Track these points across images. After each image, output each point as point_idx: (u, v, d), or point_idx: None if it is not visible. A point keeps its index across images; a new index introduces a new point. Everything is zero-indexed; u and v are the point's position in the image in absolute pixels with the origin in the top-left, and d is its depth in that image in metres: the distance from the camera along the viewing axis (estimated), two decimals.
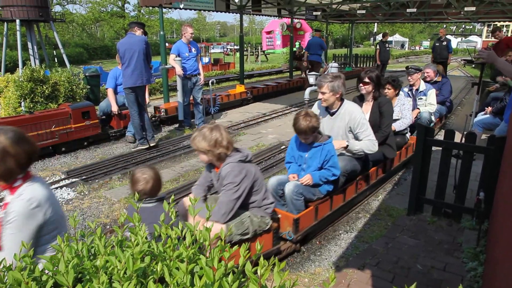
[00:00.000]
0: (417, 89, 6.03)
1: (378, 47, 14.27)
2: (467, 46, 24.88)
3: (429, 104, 5.94)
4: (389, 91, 4.87)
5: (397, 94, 4.98)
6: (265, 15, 14.68)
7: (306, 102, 5.34)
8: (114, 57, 7.20)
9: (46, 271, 1.13)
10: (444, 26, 20.39)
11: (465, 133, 3.75)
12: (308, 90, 5.30)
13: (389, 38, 13.94)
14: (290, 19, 15.96)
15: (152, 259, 1.15)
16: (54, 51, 10.04)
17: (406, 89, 5.99)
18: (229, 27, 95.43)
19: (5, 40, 8.59)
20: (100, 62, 26.12)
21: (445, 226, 3.60)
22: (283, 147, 6.28)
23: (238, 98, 9.71)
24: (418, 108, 5.87)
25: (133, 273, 0.99)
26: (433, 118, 6.07)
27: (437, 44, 12.18)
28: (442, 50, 11.97)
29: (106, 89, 6.99)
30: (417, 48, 48.24)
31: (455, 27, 49.91)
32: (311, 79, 5.54)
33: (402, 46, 49.22)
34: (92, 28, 47.30)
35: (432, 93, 5.96)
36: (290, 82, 12.51)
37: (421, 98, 5.95)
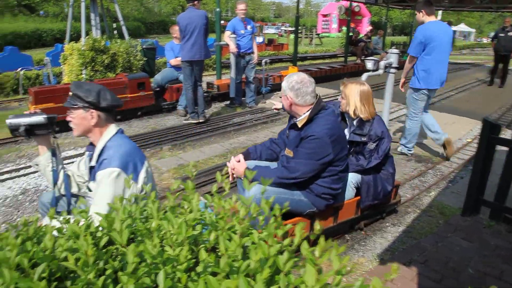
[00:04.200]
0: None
1: None
2: None
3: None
4: None
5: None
6: None
7: None
8: (170, 32, 7.36)
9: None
10: None
11: None
12: (365, 75, 5.08)
13: (453, 28, 12.92)
14: (349, 2, 15.40)
15: (203, 228, 1.14)
16: (114, 24, 10.38)
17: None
18: (284, 8, 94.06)
19: (70, 11, 8.98)
20: (156, 36, 26.79)
21: (504, 231, 3.35)
22: None
23: None
24: None
25: (186, 240, 0.98)
26: None
27: (501, 34, 10.77)
28: (507, 42, 10.65)
29: (169, 61, 7.16)
30: (484, 40, 44.95)
31: None
32: (369, 64, 5.29)
33: (465, 36, 46.05)
34: (150, 3, 48.44)
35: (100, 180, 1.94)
36: (345, 67, 12.14)
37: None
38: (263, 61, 8.36)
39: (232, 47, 6.94)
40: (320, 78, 10.77)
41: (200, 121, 6.34)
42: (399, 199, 3.75)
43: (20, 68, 9.82)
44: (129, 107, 6.50)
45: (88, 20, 8.99)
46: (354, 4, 20.25)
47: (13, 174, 4.50)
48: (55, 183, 2.18)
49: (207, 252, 0.98)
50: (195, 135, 5.88)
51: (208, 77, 10.69)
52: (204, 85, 8.15)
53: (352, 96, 3.09)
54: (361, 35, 15.25)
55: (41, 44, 21.52)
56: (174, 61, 6.97)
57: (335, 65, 12.48)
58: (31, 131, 2.04)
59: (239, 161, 2.83)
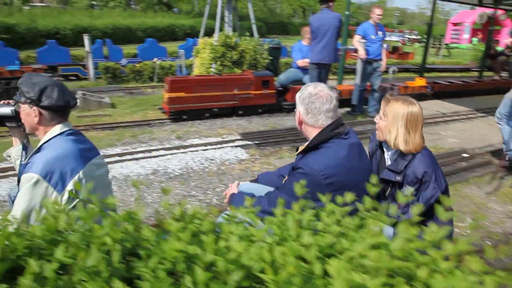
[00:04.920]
0: None
1: None
2: None
3: None
4: None
5: None
6: (462, 3, 12.92)
7: None
8: (289, 33, 7.36)
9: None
10: None
11: None
12: None
13: None
14: (492, 10, 13.70)
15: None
16: (238, 23, 10.92)
17: None
18: (409, 15, 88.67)
19: (207, 9, 9.64)
20: (276, 36, 27.45)
21: None
22: (466, 155, 5.48)
23: (416, 91, 8.86)
24: None
25: (385, 271, 0.84)
26: None
27: None
28: None
29: (296, 62, 7.16)
30: None
31: None
32: None
33: None
34: (273, 4, 49.88)
35: None
36: (480, 83, 10.86)
37: None
38: (391, 69, 7.87)
39: (361, 53, 6.64)
40: (451, 93, 9.78)
41: None
42: None
43: (156, 59, 10.88)
44: (252, 104, 6.68)
45: (221, 18, 9.50)
46: (499, 12, 17.91)
47: (146, 154, 4.92)
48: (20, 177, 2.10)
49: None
50: None
51: (329, 82, 10.50)
52: None
53: (395, 118, 2.08)
54: (498, 48, 13.46)
55: (173, 38, 23.70)
56: (301, 62, 6.93)
57: (468, 80, 11.23)
58: (0, 122, 2.03)
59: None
